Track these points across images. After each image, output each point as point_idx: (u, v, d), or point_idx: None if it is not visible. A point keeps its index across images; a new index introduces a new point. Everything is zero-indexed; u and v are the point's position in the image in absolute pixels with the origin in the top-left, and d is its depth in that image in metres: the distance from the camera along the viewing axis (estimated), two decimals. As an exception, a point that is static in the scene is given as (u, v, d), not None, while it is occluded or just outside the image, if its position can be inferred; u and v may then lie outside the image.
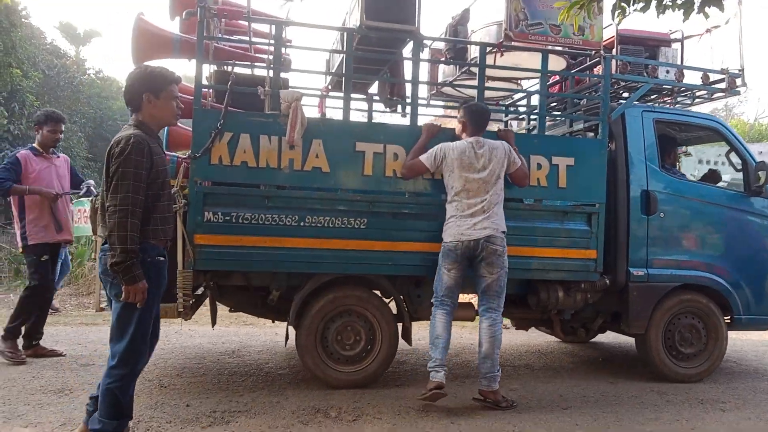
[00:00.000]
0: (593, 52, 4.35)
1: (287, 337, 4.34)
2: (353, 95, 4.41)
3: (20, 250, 4.61)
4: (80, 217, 4.54)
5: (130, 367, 2.68)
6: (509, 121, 5.76)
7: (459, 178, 3.76)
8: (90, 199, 4.60)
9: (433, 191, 4.05)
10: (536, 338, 6.17)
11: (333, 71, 4.81)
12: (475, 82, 4.36)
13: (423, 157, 3.89)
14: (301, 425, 3.35)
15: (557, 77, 5.16)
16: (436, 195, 4.03)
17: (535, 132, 5.03)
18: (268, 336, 6.01)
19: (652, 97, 5.04)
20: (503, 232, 3.74)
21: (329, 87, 5.19)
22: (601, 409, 3.82)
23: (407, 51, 4.52)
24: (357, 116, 5.70)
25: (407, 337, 4.19)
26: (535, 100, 5.49)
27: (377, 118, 5.58)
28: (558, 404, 3.87)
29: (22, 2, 15.87)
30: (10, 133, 14.10)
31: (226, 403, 3.72)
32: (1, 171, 4.48)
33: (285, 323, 4.22)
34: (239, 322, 6.76)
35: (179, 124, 4.56)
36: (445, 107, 5.48)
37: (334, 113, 5.74)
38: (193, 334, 6.09)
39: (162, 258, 2.75)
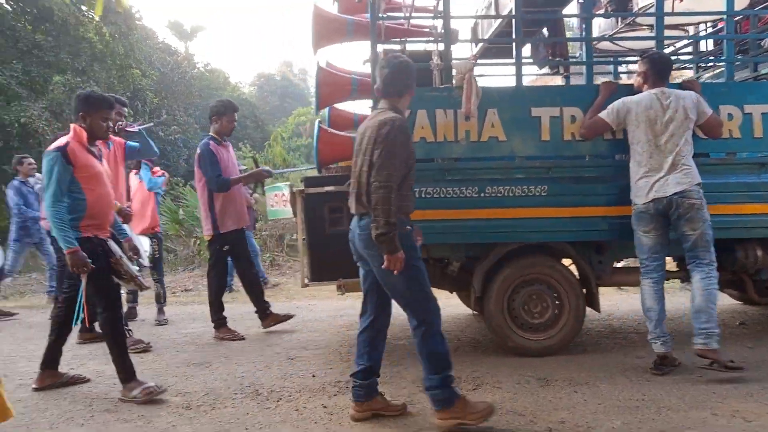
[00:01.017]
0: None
1: (475, 307, 4.37)
2: (502, 60, 4.28)
3: (207, 238, 4.93)
4: (278, 201, 4.75)
5: (427, 324, 2.83)
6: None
7: (645, 132, 3.56)
8: (288, 184, 4.81)
9: (613, 152, 3.89)
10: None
11: (483, 38, 4.71)
12: (638, 34, 4.08)
13: (603, 114, 3.72)
14: (422, 394, 3.30)
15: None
16: (616, 156, 3.85)
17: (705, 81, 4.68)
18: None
19: None
20: (698, 184, 3.51)
21: (476, 55, 5.09)
22: (741, 375, 3.45)
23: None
24: (504, 82, 5.54)
25: (593, 303, 4.10)
26: (702, 46, 5.11)
27: (527, 81, 5.42)
28: (691, 372, 3.57)
29: (135, 5, 16.86)
30: (136, 130, 15.15)
31: (349, 373, 3.78)
32: (211, 167, 4.71)
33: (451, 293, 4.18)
34: (355, 296, 6.93)
35: (340, 106, 4.66)
36: (603, 63, 5.21)
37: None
38: (313, 308, 6.36)
39: (410, 227, 2.89)
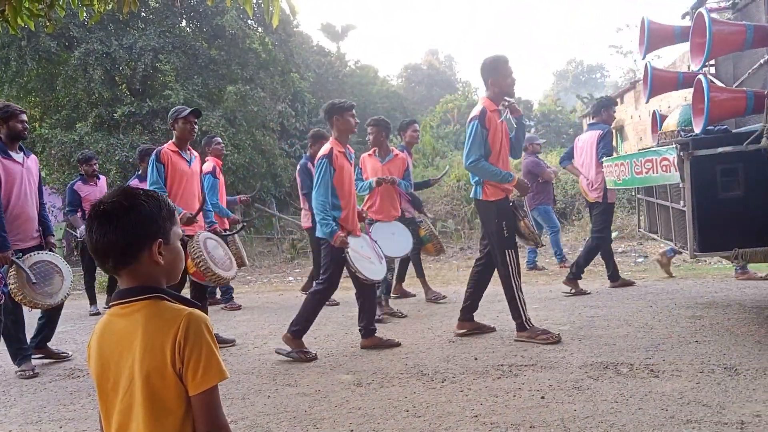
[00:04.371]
0: None
1: None
2: None
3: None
4: (653, 166, 4.31)
5: None
6: None
7: None
8: (673, 146, 4.29)
9: None
10: None
11: None
12: None
13: None
14: (590, 380, 3.27)
15: None
16: None
17: None
18: (542, 293, 5.91)
19: None
20: None
21: None
22: None
23: None
24: None
25: None
26: None
27: None
28: None
29: (293, 16, 18.10)
30: (297, 129, 16.31)
31: (511, 357, 3.81)
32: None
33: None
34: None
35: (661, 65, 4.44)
36: None
37: None
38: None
39: None
